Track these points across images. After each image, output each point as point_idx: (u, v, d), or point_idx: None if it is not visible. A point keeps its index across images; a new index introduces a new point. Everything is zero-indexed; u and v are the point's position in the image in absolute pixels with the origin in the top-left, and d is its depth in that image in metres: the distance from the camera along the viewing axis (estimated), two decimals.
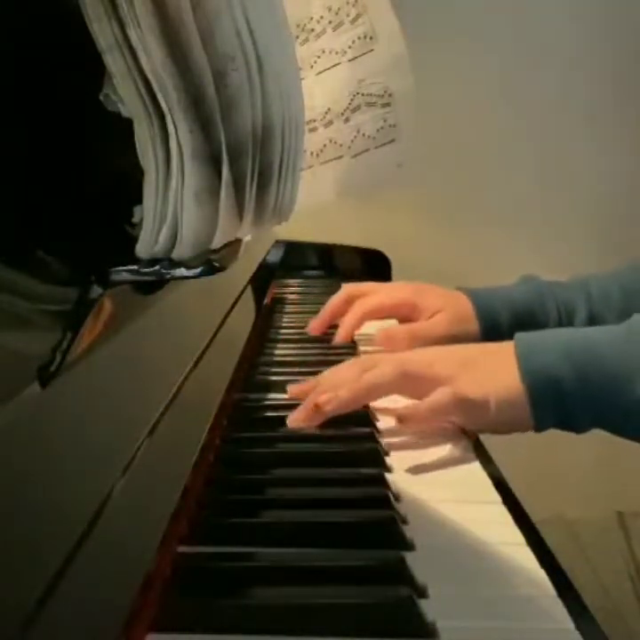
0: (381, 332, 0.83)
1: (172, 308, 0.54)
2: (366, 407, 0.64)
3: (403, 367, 0.62)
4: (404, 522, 0.47)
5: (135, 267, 0.45)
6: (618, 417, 0.59)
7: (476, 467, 0.57)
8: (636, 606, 0.79)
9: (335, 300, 0.89)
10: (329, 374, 0.65)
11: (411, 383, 0.62)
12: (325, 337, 0.87)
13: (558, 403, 0.59)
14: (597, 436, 0.61)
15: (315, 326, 0.89)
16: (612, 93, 1.48)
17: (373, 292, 0.89)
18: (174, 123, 0.45)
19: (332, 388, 0.61)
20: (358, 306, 0.87)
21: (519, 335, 0.62)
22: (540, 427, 0.61)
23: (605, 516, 0.91)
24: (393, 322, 0.89)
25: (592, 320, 0.86)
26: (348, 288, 0.90)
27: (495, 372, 0.61)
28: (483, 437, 0.63)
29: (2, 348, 0.35)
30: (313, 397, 0.61)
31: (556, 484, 1.28)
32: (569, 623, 0.39)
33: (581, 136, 1.50)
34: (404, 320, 0.88)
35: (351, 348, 0.85)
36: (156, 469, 0.42)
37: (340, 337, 0.86)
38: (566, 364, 0.59)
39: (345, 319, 0.86)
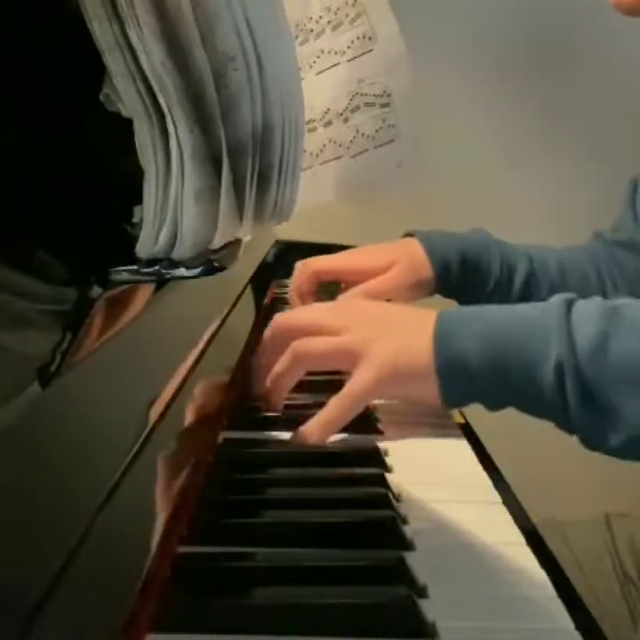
0: (340, 299, 0.84)
1: (172, 307, 0.54)
2: (367, 408, 0.64)
3: (296, 352, 0.60)
4: (404, 522, 0.47)
5: (135, 267, 0.45)
6: (530, 399, 0.57)
7: (476, 467, 0.58)
8: (624, 608, 0.79)
9: (303, 279, 0.89)
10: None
11: (317, 361, 0.61)
12: None
13: (467, 383, 0.58)
14: None
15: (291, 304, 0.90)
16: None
17: (323, 261, 0.90)
18: (174, 123, 0.45)
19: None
20: (307, 264, 0.88)
21: (442, 313, 0.60)
22: (448, 404, 0.60)
23: (594, 517, 0.91)
24: None
25: (528, 281, 0.90)
26: (301, 270, 0.90)
27: (410, 341, 0.59)
28: (482, 438, 0.63)
29: (2, 348, 0.35)
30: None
31: (548, 486, 1.28)
32: (569, 623, 0.39)
33: (582, 135, 1.49)
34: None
35: None
36: (156, 469, 0.42)
37: (290, 295, 0.88)
38: (479, 348, 0.57)
39: (294, 278, 0.88)
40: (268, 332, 0.64)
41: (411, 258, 0.88)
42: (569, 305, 0.57)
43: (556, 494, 1.21)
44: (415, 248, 0.89)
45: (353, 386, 0.58)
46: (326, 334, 0.61)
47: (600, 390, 0.54)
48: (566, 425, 0.56)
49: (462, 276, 0.89)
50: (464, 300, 0.90)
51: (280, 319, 0.64)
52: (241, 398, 0.66)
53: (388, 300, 0.82)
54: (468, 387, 0.58)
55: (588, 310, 0.57)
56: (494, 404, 0.59)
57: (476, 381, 0.57)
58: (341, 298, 0.86)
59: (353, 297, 0.84)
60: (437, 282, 0.88)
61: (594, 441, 0.56)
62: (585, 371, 0.54)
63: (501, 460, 0.59)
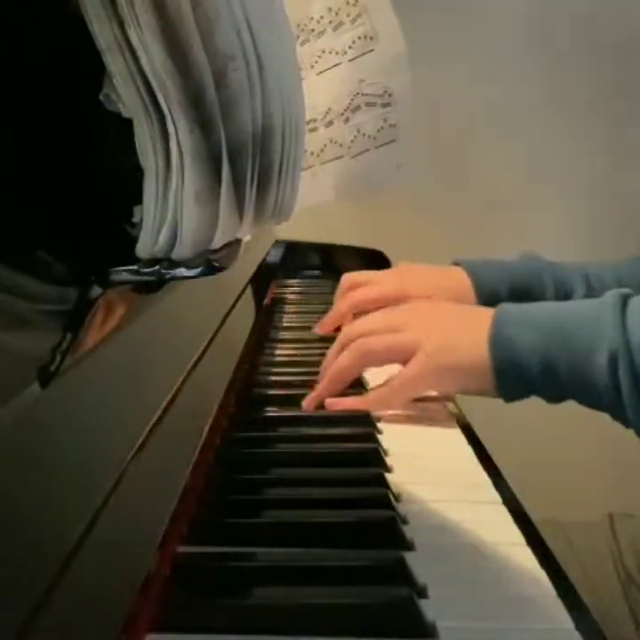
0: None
1: (172, 307, 0.54)
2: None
3: (361, 349, 0.66)
4: (404, 522, 0.47)
5: (135, 267, 0.45)
6: (584, 391, 0.59)
7: (476, 467, 0.57)
8: (625, 608, 0.79)
9: (337, 315, 0.89)
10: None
11: (377, 356, 0.66)
12: (326, 337, 0.87)
13: (522, 379, 0.60)
14: (593, 436, 0.61)
15: (322, 327, 0.90)
16: (613, 91, 1.48)
17: (368, 283, 0.90)
18: (174, 123, 0.45)
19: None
20: (345, 299, 0.88)
21: (503, 306, 0.64)
22: (506, 399, 0.63)
23: (597, 518, 0.91)
24: None
25: None
26: (345, 281, 0.91)
27: (467, 337, 0.63)
28: (482, 438, 0.63)
29: (2, 348, 0.35)
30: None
31: (551, 487, 1.28)
32: (569, 623, 0.39)
33: (582, 135, 1.49)
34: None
35: None
36: (155, 469, 0.42)
37: (320, 327, 0.89)
38: (532, 342, 0.60)
39: (331, 311, 0.88)
40: (335, 346, 0.69)
41: (451, 290, 0.86)
42: (625, 299, 0.59)
43: (559, 495, 1.21)
44: (457, 277, 0.87)
45: (399, 376, 0.64)
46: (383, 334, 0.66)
47: None
48: (621, 416, 0.57)
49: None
50: None
51: (346, 327, 0.70)
52: (241, 398, 0.66)
53: None
54: (523, 382, 0.60)
55: None
56: (551, 398, 0.61)
57: (530, 376, 0.60)
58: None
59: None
60: None
61: None
62: (637, 360, 0.55)
63: (504, 460, 0.59)
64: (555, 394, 0.61)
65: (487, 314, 0.62)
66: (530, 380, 0.60)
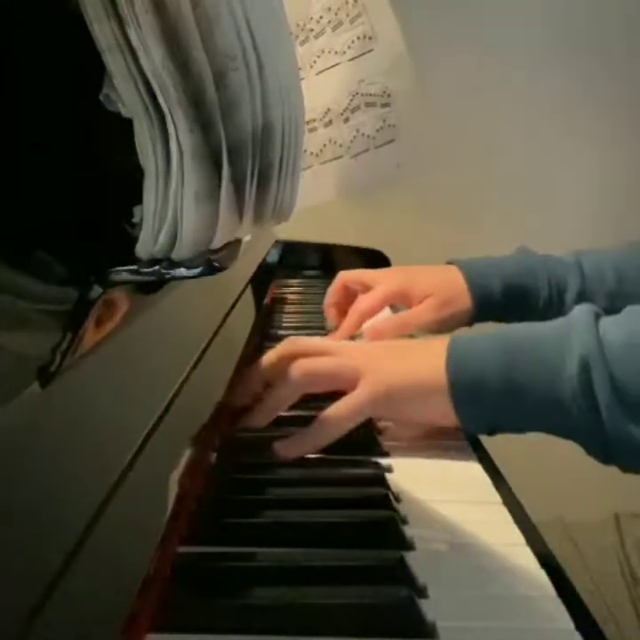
0: (370, 329, 0.84)
1: (172, 308, 0.54)
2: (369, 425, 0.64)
3: (302, 368, 0.59)
4: (404, 522, 0.47)
5: (135, 267, 0.45)
6: (552, 409, 0.54)
7: (475, 467, 0.57)
8: (631, 609, 0.79)
9: (332, 291, 0.92)
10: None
11: (320, 379, 0.59)
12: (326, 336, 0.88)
13: (480, 398, 0.56)
14: None
15: (330, 321, 0.91)
16: (619, 91, 1.48)
17: (367, 279, 0.90)
18: (174, 123, 0.45)
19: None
20: (353, 312, 0.87)
21: (455, 336, 0.59)
22: (467, 427, 0.58)
23: (603, 518, 0.91)
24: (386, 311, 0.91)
25: (582, 298, 0.86)
26: (340, 279, 0.92)
27: (424, 362, 0.58)
28: (482, 439, 0.63)
29: (2, 348, 0.35)
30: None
31: (555, 486, 1.28)
32: (569, 623, 0.39)
33: (582, 135, 1.49)
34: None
35: None
36: (156, 469, 0.42)
37: (326, 311, 0.91)
38: (494, 356, 0.56)
39: (343, 326, 0.87)
40: (272, 355, 0.63)
41: (447, 291, 0.86)
42: (595, 314, 0.56)
43: (564, 494, 1.21)
44: (453, 278, 0.87)
45: (345, 402, 0.57)
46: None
47: (632, 385, 0.51)
48: (593, 441, 0.53)
49: (506, 302, 0.87)
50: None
51: (287, 344, 0.63)
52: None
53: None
54: (482, 403, 0.56)
55: (615, 316, 0.55)
56: (515, 426, 0.56)
57: (492, 400, 0.55)
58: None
59: (385, 327, 0.84)
60: (477, 312, 0.86)
61: (624, 445, 0.52)
62: (614, 366, 0.51)
63: (507, 459, 0.59)
64: (519, 422, 0.56)
65: (442, 342, 0.59)
66: (489, 399, 0.55)
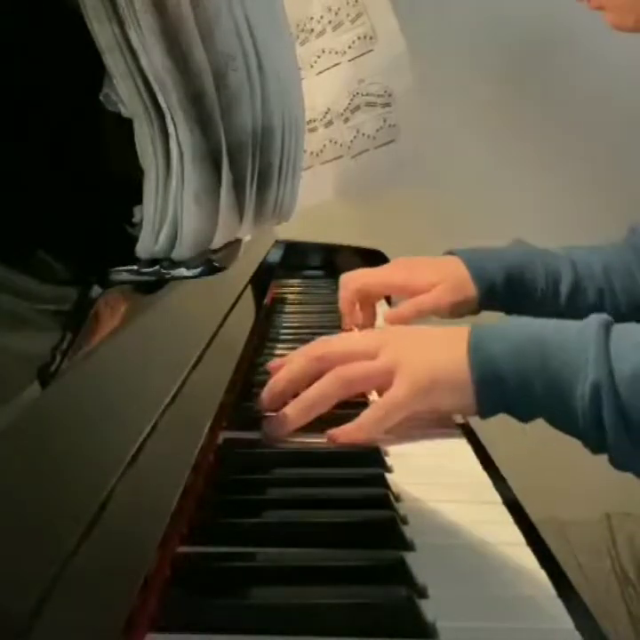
0: (389, 314, 0.87)
1: (172, 307, 0.54)
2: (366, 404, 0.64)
3: (339, 375, 0.61)
4: (404, 522, 0.47)
5: (135, 267, 0.45)
6: (561, 417, 0.58)
7: (476, 467, 0.57)
8: (623, 608, 0.79)
9: (345, 303, 0.91)
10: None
11: (357, 385, 0.62)
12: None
13: (498, 392, 0.59)
14: None
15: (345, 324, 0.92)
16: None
17: (369, 277, 0.91)
18: (174, 123, 0.45)
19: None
20: (351, 279, 0.90)
21: (475, 326, 0.62)
22: (483, 415, 0.61)
23: (595, 517, 0.91)
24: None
25: (575, 289, 0.89)
26: (347, 284, 0.92)
27: (445, 355, 0.61)
28: (482, 439, 0.63)
29: (2, 348, 0.35)
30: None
31: (549, 486, 1.28)
32: (569, 623, 0.39)
33: (582, 135, 1.49)
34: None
35: None
36: (156, 469, 0.42)
37: (342, 309, 0.90)
38: (512, 357, 0.59)
39: (340, 303, 0.90)
40: (300, 358, 0.63)
41: (454, 278, 0.88)
42: (607, 329, 0.58)
43: (557, 493, 1.21)
44: (457, 267, 0.89)
45: (387, 398, 0.60)
46: (361, 359, 0.62)
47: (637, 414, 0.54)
48: (595, 445, 0.57)
49: (507, 292, 0.89)
50: (510, 313, 0.90)
51: (314, 348, 0.64)
52: (241, 399, 0.66)
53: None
54: (500, 396, 0.59)
55: (628, 335, 0.57)
56: (523, 416, 0.61)
57: (508, 390, 0.59)
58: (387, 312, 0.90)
59: (403, 311, 0.86)
60: (482, 300, 0.88)
61: (626, 465, 0.57)
62: (623, 395, 0.55)
63: (502, 459, 0.59)
64: (528, 412, 0.60)
65: (462, 332, 0.61)
66: (507, 394, 0.59)
